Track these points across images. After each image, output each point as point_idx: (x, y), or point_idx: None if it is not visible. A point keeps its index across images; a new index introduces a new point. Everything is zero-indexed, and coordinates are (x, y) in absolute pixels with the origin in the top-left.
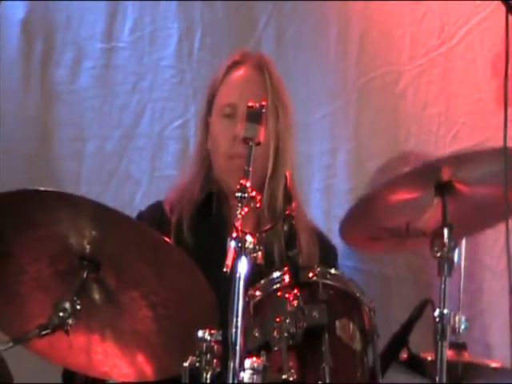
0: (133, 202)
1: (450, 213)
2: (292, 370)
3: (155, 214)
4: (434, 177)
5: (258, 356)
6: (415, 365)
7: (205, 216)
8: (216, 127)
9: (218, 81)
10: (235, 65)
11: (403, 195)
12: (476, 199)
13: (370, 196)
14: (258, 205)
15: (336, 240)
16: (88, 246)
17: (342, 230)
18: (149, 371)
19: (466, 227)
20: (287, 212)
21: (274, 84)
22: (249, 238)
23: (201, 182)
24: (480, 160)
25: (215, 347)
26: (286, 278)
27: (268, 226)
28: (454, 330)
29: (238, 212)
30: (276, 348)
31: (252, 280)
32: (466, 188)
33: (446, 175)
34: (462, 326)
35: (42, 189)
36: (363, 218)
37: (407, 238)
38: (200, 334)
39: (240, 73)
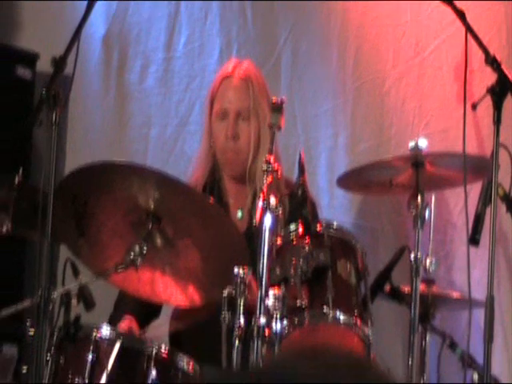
0: (186, 173)
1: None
2: (304, 298)
3: None
4: (413, 157)
5: (278, 287)
6: (396, 295)
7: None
8: (214, 128)
9: (215, 90)
10: (227, 77)
11: (388, 165)
12: (439, 173)
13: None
14: (279, 175)
15: (338, 199)
16: (152, 204)
17: (340, 180)
18: (197, 298)
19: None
20: (301, 181)
21: (257, 92)
22: (272, 199)
23: (208, 171)
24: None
25: (247, 280)
26: (300, 229)
27: (287, 192)
28: (425, 270)
29: (263, 180)
30: (292, 282)
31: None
32: (433, 168)
33: (421, 158)
34: (432, 267)
35: (118, 161)
36: (356, 174)
37: (390, 189)
38: (235, 270)
39: (231, 84)
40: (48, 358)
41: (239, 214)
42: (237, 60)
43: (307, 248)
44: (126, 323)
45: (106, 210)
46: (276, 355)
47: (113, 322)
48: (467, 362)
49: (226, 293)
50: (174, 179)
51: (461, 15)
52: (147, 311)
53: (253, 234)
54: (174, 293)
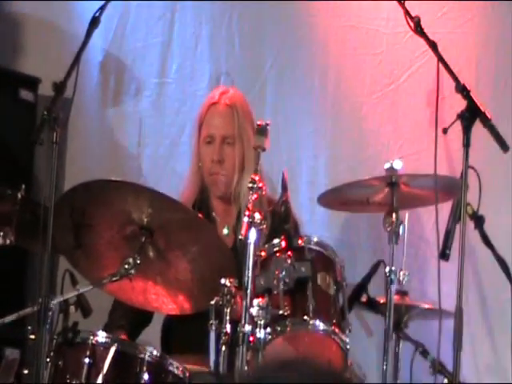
0: (177, 190)
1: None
2: (286, 307)
3: None
4: (388, 178)
5: (262, 297)
6: (372, 305)
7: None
8: (202, 151)
9: (203, 116)
10: (214, 104)
11: (365, 184)
12: (412, 192)
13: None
14: (264, 192)
15: (319, 216)
16: (145, 219)
17: (321, 198)
18: (187, 307)
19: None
20: (284, 198)
21: (241, 118)
22: (257, 215)
23: (197, 190)
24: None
25: (233, 290)
26: (283, 243)
27: (270, 208)
28: (399, 282)
29: (249, 197)
30: (275, 292)
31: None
32: (407, 187)
33: (396, 178)
34: (405, 279)
35: (114, 179)
36: (335, 192)
37: (367, 206)
38: (222, 281)
39: (217, 110)
40: (48, 361)
41: (225, 231)
42: (223, 87)
43: (289, 261)
44: None
45: (103, 224)
46: (258, 365)
47: (107, 331)
48: (438, 368)
49: (213, 302)
50: (165, 196)
51: (433, 46)
52: (139, 320)
53: (238, 250)
54: (165, 302)
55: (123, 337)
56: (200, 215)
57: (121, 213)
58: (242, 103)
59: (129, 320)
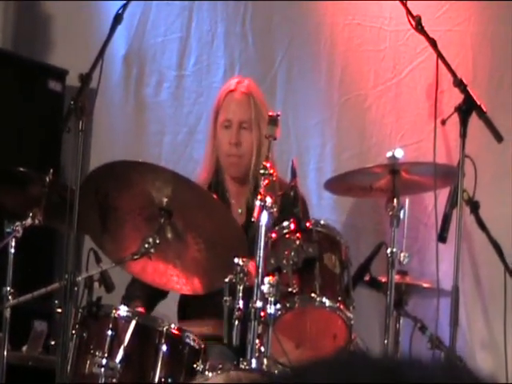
0: (194, 175)
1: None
2: (295, 285)
3: None
4: (390, 165)
5: (273, 275)
6: (374, 284)
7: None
8: (219, 135)
9: (220, 102)
10: (231, 92)
11: (369, 171)
12: (413, 179)
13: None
14: (274, 178)
15: (325, 200)
16: (165, 200)
17: (327, 183)
18: (198, 287)
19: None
20: (293, 184)
21: (257, 105)
22: (268, 199)
23: (213, 172)
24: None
25: (245, 270)
26: (292, 225)
27: (281, 193)
28: (399, 262)
29: (261, 182)
30: (285, 271)
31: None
32: (408, 174)
33: (397, 166)
34: (406, 260)
35: (135, 160)
36: (341, 179)
37: (370, 192)
38: (236, 260)
39: (234, 97)
40: (73, 333)
41: (239, 210)
42: (239, 77)
43: (298, 242)
44: None
45: (125, 205)
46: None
47: (124, 302)
48: (435, 343)
49: (227, 280)
50: (183, 177)
51: (433, 43)
52: (155, 293)
53: (250, 225)
54: (183, 283)
55: (140, 307)
56: (214, 196)
57: (141, 194)
58: (257, 92)
59: (145, 292)
